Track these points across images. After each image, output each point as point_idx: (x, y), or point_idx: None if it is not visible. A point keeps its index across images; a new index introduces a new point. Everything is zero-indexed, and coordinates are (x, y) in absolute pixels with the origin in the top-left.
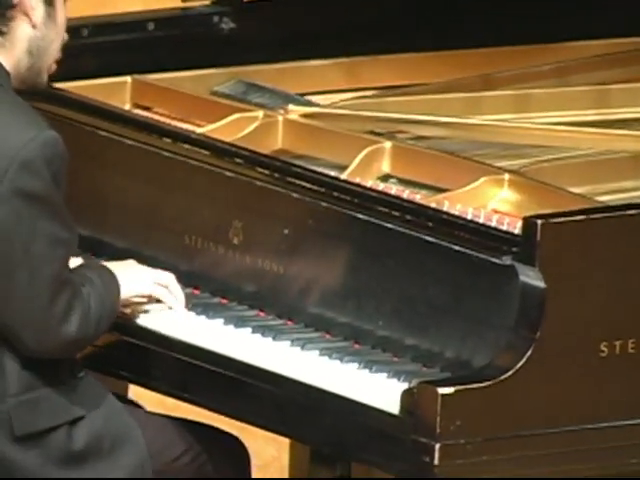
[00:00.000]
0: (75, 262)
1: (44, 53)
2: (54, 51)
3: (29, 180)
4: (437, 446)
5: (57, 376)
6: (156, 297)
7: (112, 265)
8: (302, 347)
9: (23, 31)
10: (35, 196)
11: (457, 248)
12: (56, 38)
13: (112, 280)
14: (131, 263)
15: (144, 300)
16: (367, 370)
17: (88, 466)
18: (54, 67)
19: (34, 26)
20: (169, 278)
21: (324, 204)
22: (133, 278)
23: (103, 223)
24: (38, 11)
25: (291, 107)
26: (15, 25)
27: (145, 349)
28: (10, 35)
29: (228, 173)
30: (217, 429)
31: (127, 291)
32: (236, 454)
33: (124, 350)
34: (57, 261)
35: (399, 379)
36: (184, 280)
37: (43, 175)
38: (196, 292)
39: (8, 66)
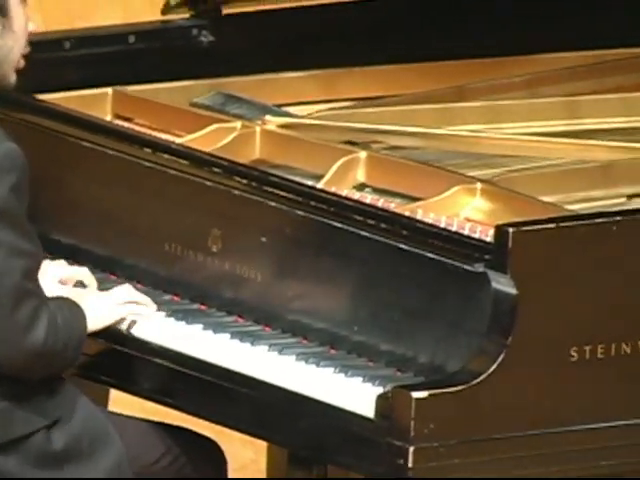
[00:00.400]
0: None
1: (4, 61)
2: (15, 56)
3: None
4: (411, 449)
5: (30, 384)
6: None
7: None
8: (279, 352)
9: None
10: None
11: (431, 255)
12: (15, 44)
13: (78, 310)
14: (86, 297)
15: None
16: (343, 375)
17: (67, 468)
18: (22, 63)
19: None
20: (127, 292)
21: (301, 213)
22: (96, 313)
23: (84, 231)
24: None
25: (268, 118)
26: None
27: (125, 354)
28: None
29: (207, 182)
30: (195, 433)
31: (94, 326)
32: (213, 457)
33: (105, 356)
34: (18, 271)
35: (374, 383)
36: (164, 286)
37: (1, 187)
38: (176, 298)
39: None
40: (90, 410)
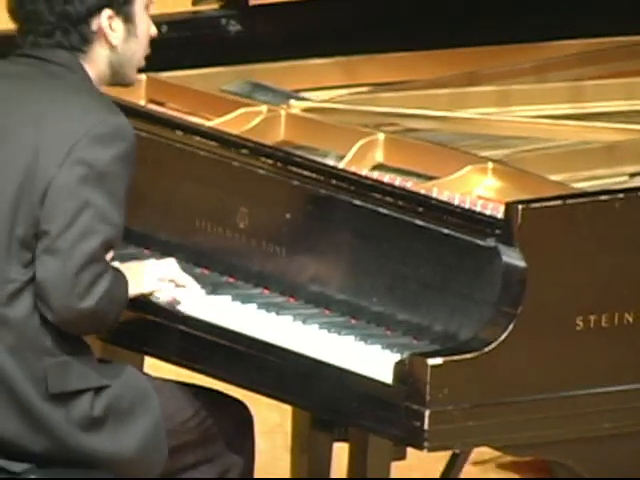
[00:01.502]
0: None
1: (126, 64)
2: (137, 59)
3: (93, 153)
4: (427, 412)
5: (87, 344)
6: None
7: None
8: (303, 322)
9: (103, 51)
10: (95, 169)
11: (445, 231)
12: (138, 48)
13: (123, 277)
14: (133, 267)
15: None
16: (363, 343)
17: (107, 428)
18: (143, 63)
19: (113, 47)
20: (171, 269)
21: (323, 191)
22: (137, 279)
23: None
24: (118, 32)
25: (293, 102)
26: (95, 46)
27: (160, 324)
28: (91, 53)
29: (235, 163)
30: (224, 394)
31: (132, 291)
32: (241, 418)
33: (142, 326)
34: (98, 236)
35: (392, 351)
36: (195, 260)
37: (107, 152)
38: (206, 272)
39: (92, 73)
40: (133, 373)
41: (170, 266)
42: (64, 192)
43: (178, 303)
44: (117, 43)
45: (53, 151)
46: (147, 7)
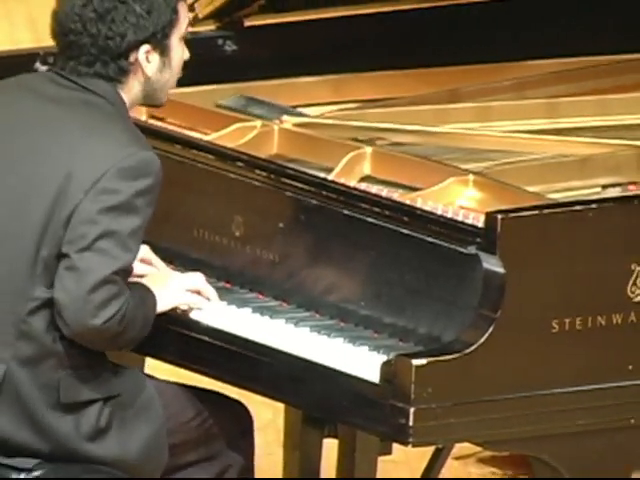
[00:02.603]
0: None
1: (159, 91)
2: (170, 85)
3: (119, 185)
4: (412, 410)
5: (101, 357)
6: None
7: (148, 281)
8: (295, 325)
9: (138, 80)
10: (119, 200)
11: (429, 239)
12: (170, 78)
13: (150, 297)
14: (161, 277)
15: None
16: (351, 344)
17: (110, 435)
18: (175, 85)
19: (148, 77)
20: (197, 281)
21: (314, 201)
22: (165, 294)
23: None
24: (153, 64)
25: (285, 117)
26: (130, 76)
27: (160, 327)
28: (127, 83)
29: (230, 175)
30: (224, 395)
31: (162, 307)
32: (241, 417)
33: None
34: (115, 263)
35: (379, 352)
36: (193, 267)
37: (132, 185)
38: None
39: (126, 100)
40: (140, 380)
41: (194, 277)
42: (87, 218)
43: (197, 311)
44: (151, 74)
45: (83, 178)
46: (182, 37)
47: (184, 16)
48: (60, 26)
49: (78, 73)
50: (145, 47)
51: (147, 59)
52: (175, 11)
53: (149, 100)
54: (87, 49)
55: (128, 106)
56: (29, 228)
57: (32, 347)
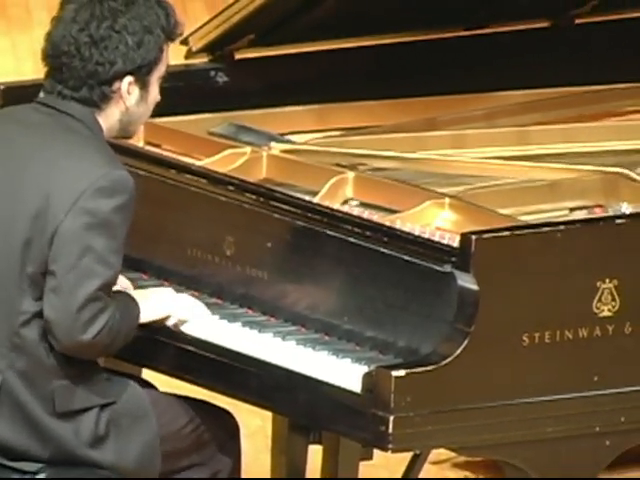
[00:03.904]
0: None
1: (133, 123)
2: (142, 120)
3: (97, 203)
4: (391, 418)
5: (94, 366)
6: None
7: (141, 292)
8: (282, 338)
9: (117, 109)
10: (98, 217)
11: (407, 258)
12: (145, 112)
13: (135, 307)
14: (155, 291)
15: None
16: (335, 357)
17: (109, 442)
18: (144, 122)
19: (126, 108)
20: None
21: (300, 223)
22: (149, 304)
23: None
24: (133, 96)
25: (273, 144)
26: (111, 104)
27: (154, 339)
28: (106, 110)
29: (222, 198)
30: (213, 405)
31: (146, 316)
32: (228, 425)
33: (140, 342)
34: (98, 279)
35: (360, 364)
36: (186, 284)
37: (109, 203)
38: (196, 294)
39: (104, 126)
40: (135, 390)
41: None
42: (69, 237)
43: (170, 322)
44: (130, 105)
45: (62, 199)
46: (159, 78)
47: (166, 57)
48: (54, 48)
49: (63, 95)
50: (129, 78)
51: (128, 90)
52: (161, 50)
53: (123, 132)
54: (77, 72)
55: (105, 133)
56: (15, 247)
57: (26, 358)
